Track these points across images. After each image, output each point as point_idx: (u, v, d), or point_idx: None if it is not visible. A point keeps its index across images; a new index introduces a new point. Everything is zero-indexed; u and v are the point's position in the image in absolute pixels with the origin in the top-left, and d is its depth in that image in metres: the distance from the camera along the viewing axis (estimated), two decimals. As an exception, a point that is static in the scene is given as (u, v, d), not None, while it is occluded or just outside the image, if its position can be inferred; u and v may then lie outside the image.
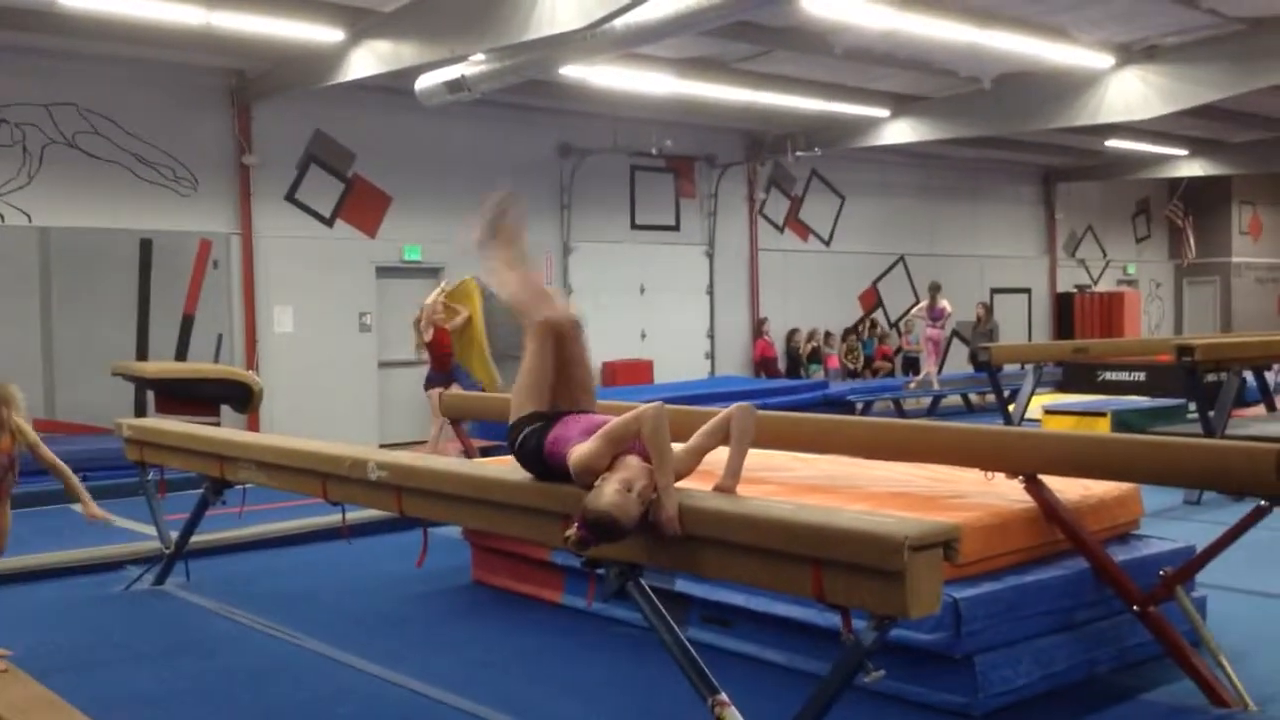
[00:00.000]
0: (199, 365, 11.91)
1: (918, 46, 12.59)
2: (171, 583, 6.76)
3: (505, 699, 4.71)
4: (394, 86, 12.33)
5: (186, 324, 12.51)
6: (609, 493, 3.45)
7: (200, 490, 6.57)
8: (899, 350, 19.23)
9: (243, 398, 10.56)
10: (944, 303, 16.15)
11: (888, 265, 19.71)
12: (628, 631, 5.42)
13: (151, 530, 7.03)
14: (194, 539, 6.83)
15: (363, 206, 13.79)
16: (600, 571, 3.91)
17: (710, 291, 17.24)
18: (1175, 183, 23.54)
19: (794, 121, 16.22)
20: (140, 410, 10.75)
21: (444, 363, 11.24)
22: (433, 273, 14.38)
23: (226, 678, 5.09)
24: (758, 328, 17.55)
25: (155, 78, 12.18)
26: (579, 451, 3.62)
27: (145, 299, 12.24)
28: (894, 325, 19.49)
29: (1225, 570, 5.28)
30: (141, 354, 12.09)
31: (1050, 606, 4.54)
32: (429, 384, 11.17)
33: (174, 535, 6.76)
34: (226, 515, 7.43)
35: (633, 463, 3.56)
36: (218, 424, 9.67)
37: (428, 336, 11.11)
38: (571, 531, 3.50)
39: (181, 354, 12.42)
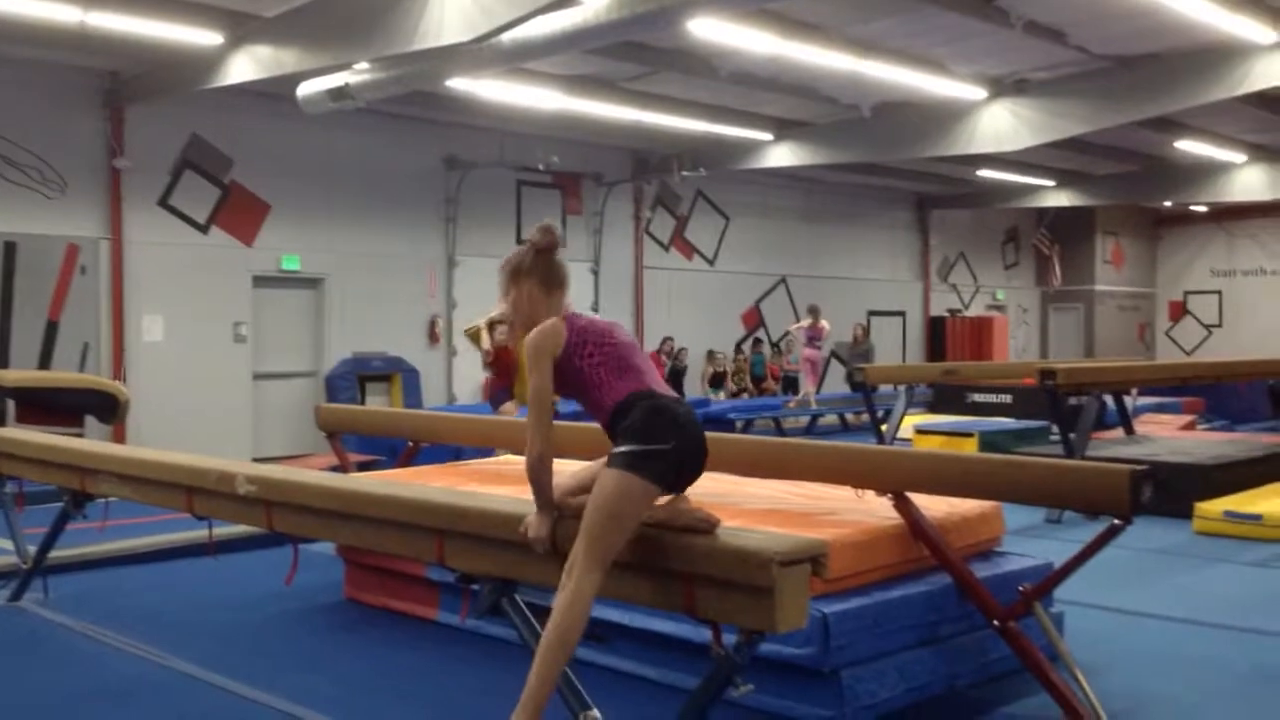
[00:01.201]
0: (62, 374, 11.49)
1: (801, 73, 12.86)
2: (28, 599, 6.50)
3: (376, 718, 4.65)
4: (275, 92, 12.12)
5: (51, 331, 12.06)
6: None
7: (61, 504, 6.35)
8: (783, 371, 19.55)
9: (108, 408, 10.22)
10: (823, 323, 16.56)
11: (770, 286, 20.03)
12: (502, 648, 5.40)
13: (8, 545, 6.76)
14: (53, 554, 6.58)
15: (240, 214, 13.48)
16: (475, 587, 3.90)
17: (595, 308, 17.28)
18: (1043, 212, 24.43)
19: (680, 142, 16.40)
20: (-1, 420, 10.33)
21: (509, 379, 10.92)
22: (312, 283, 14.16)
23: (84, 698, 4.92)
24: (661, 345, 17.56)
25: (24, 77, 11.73)
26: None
27: (7, 304, 11.77)
28: (775, 345, 19.79)
29: (1082, 587, 5.50)
30: (2, 361, 11.60)
31: (915, 621, 4.66)
32: (495, 402, 10.87)
33: (32, 550, 6.51)
34: (88, 529, 7.19)
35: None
36: (81, 435, 9.35)
37: (489, 356, 10.84)
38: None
39: (45, 362, 11.96)
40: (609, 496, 3.36)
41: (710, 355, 18.53)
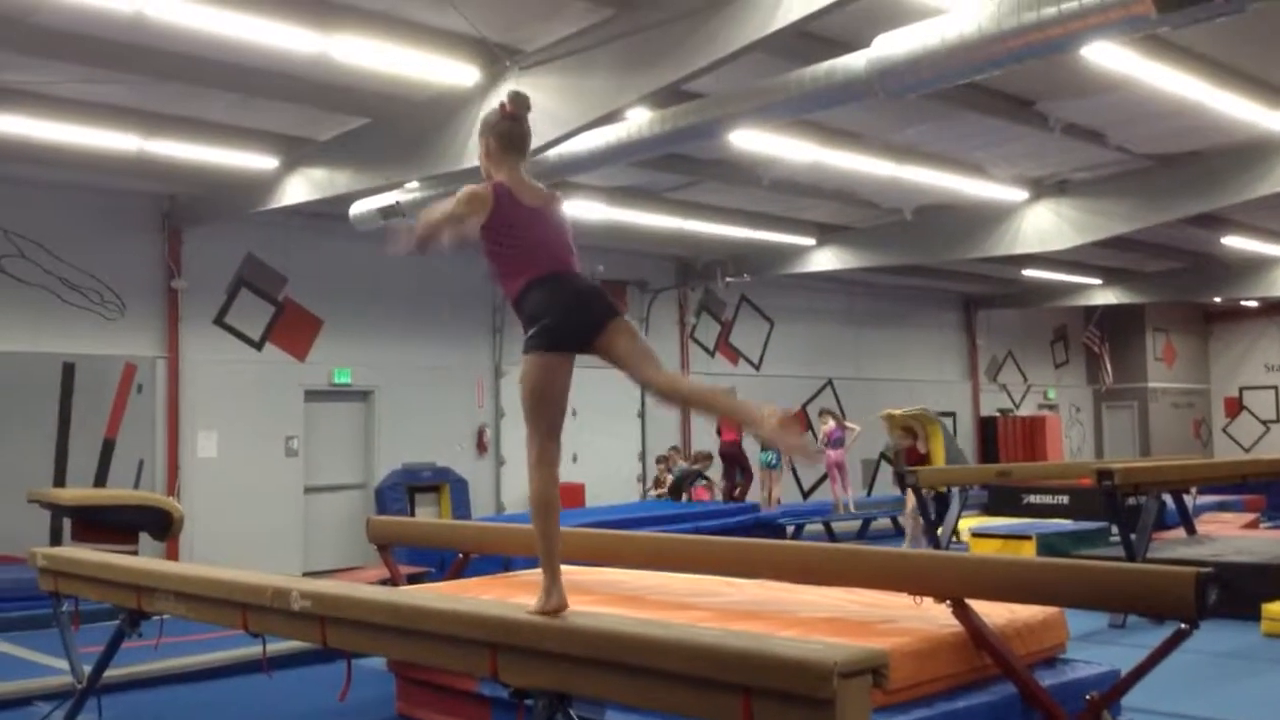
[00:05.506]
0: (117, 491, 11.60)
1: (841, 179, 13.01)
2: (82, 719, 6.48)
3: (429, 838, 4.56)
4: (327, 211, 12.42)
5: (107, 448, 12.25)
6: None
7: (117, 621, 6.36)
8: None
9: (162, 524, 10.29)
10: (831, 425, 15.94)
11: (816, 389, 19.97)
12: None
13: (64, 664, 6.77)
14: (108, 673, 6.58)
15: (293, 329, 13.73)
16: (528, 702, 3.85)
17: (642, 415, 17.31)
18: (1091, 310, 24.30)
19: (723, 248, 16.56)
20: (56, 538, 10.42)
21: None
22: (362, 395, 14.31)
23: (137, 820, 4.87)
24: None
25: (85, 202, 12.13)
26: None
27: (65, 423, 11.98)
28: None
29: (1150, 693, 5.33)
30: (60, 480, 11.78)
31: (980, 733, 4.53)
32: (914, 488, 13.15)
33: (87, 669, 6.51)
34: (143, 647, 7.19)
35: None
36: (135, 553, 9.41)
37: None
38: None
39: (101, 479, 12.13)
40: (526, 379, 3.79)
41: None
